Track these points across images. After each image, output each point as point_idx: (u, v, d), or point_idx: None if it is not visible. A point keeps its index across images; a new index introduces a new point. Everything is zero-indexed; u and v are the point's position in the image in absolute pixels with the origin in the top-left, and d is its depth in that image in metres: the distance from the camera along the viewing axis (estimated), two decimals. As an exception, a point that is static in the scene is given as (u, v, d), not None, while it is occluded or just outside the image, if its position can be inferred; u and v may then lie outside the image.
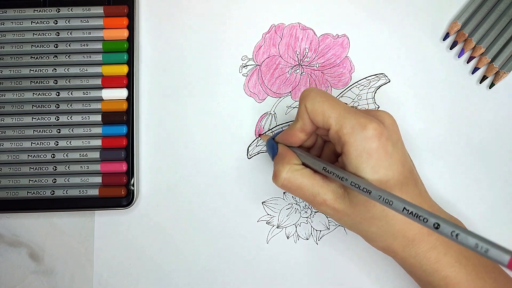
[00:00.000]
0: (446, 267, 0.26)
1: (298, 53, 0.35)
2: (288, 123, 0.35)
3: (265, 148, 0.34)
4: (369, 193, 0.23)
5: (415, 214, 0.21)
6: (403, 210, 0.21)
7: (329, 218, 0.34)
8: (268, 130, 0.34)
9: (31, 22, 0.33)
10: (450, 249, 0.26)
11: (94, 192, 0.32)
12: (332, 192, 0.26)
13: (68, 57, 0.33)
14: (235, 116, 0.35)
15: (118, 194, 0.32)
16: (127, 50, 0.34)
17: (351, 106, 0.34)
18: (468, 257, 0.27)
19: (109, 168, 0.33)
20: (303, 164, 0.28)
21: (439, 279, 0.26)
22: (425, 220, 0.20)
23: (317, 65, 0.35)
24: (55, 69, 0.33)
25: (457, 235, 0.19)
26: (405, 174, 0.25)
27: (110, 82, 0.33)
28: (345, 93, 0.34)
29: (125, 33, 0.34)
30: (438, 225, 0.20)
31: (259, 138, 0.34)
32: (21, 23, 0.33)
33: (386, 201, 0.22)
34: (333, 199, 0.26)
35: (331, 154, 0.30)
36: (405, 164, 0.26)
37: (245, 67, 0.35)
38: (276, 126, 0.34)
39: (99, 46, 0.33)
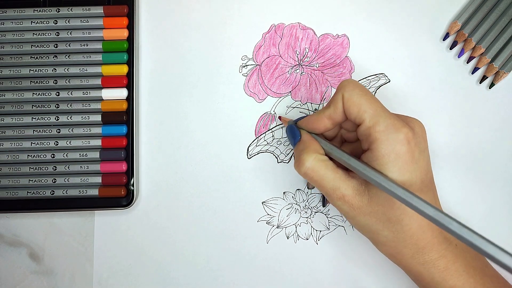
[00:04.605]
0: (454, 275, 0.26)
1: (298, 53, 0.35)
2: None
3: (265, 148, 0.34)
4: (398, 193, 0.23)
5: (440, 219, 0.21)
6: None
7: (329, 218, 0.34)
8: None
9: (31, 22, 0.33)
10: (458, 258, 0.26)
11: (94, 192, 0.32)
12: (352, 188, 0.26)
13: (68, 57, 0.33)
14: (235, 116, 0.35)
15: (118, 194, 0.32)
16: (127, 50, 0.34)
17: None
18: (475, 267, 0.27)
19: (109, 168, 0.33)
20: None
21: None
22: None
23: (317, 65, 0.35)
24: (55, 69, 0.33)
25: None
26: (426, 183, 0.26)
27: (110, 82, 0.33)
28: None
29: (125, 33, 0.34)
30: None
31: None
32: (21, 23, 0.33)
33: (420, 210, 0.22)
34: (353, 195, 0.26)
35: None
36: (428, 173, 0.26)
37: (245, 67, 0.35)
38: (276, 126, 0.34)
39: (99, 46, 0.33)
